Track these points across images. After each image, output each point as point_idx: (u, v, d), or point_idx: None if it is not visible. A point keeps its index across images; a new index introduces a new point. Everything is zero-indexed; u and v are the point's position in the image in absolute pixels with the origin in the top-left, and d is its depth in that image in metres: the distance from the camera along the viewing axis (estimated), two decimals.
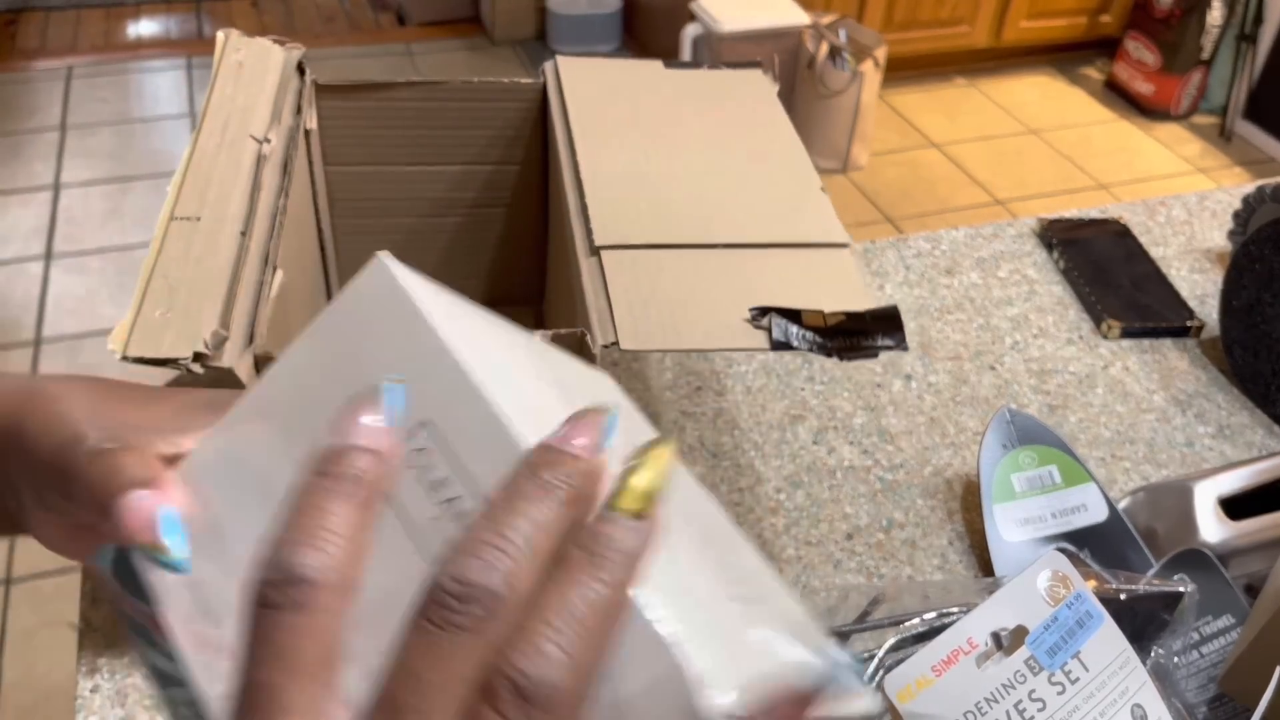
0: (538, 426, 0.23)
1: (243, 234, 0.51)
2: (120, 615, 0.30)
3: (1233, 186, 1.01)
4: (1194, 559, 0.57)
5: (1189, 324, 0.82)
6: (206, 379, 0.78)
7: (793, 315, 0.52)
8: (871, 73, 2.37)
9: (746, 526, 0.65)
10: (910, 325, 0.81)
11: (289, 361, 0.27)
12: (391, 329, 0.25)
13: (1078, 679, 0.47)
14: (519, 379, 0.27)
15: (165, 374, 0.44)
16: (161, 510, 0.27)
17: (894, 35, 2.67)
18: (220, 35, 0.64)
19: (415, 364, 0.24)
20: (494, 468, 0.23)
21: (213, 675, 0.26)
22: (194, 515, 0.27)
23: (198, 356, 0.44)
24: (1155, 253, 0.91)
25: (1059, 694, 0.46)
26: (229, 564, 0.26)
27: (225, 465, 0.28)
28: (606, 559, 0.21)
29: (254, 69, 0.63)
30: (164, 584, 0.27)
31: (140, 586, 0.28)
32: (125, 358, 0.43)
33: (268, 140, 0.58)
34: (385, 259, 0.26)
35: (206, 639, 0.26)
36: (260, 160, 0.56)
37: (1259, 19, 2.68)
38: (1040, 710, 0.46)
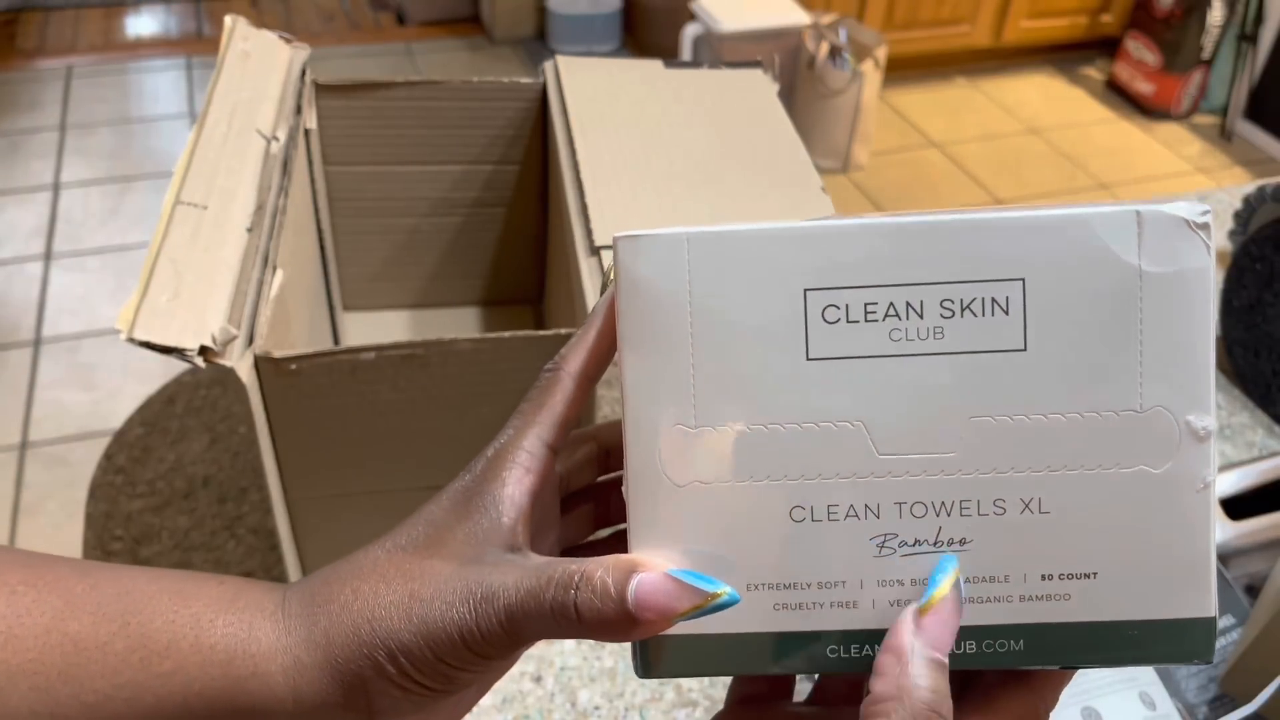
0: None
1: (249, 230, 0.51)
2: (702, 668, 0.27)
3: (1233, 186, 1.01)
4: None
5: None
6: (207, 375, 0.78)
7: None
8: (872, 72, 2.37)
9: None
10: None
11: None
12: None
13: None
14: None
15: (169, 362, 0.44)
16: (659, 577, 0.25)
17: (894, 35, 2.67)
18: (228, 21, 0.64)
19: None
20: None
21: None
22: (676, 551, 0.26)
23: (202, 350, 0.44)
24: None
25: None
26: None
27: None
28: None
29: (261, 62, 0.63)
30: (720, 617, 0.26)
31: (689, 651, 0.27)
32: (131, 340, 0.43)
33: (275, 139, 0.58)
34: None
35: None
36: (269, 159, 0.56)
37: (1259, 19, 2.68)
38: None
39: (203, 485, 0.69)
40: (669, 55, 2.43)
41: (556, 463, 0.31)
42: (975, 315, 0.25)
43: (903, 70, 2.83)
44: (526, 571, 0.26)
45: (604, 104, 0.66)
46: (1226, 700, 0.53)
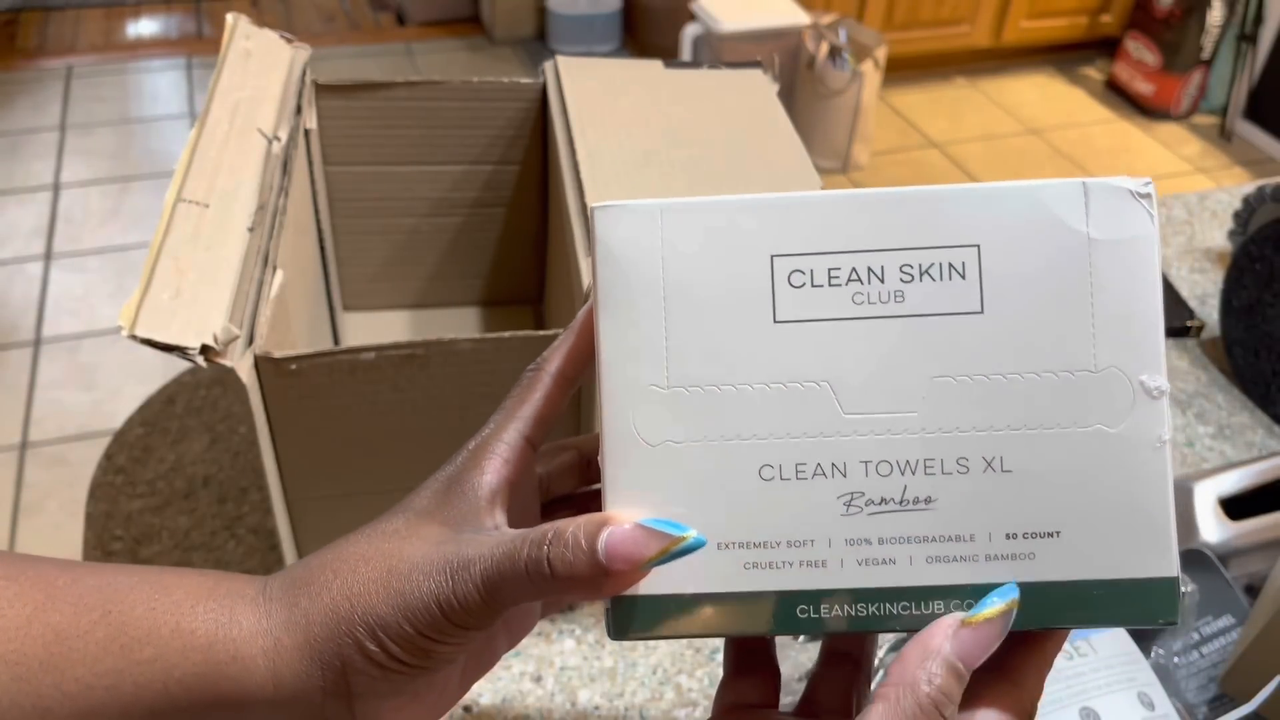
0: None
1: (250, 230, 0.51)
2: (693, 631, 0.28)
3: (1233, 186, 1.01)
4: (1194, 559, 0.57)
5: (1189, 324, 0.82)
6: (207, 375, 0.78)
7: None
8: (871, 73, 2.37)
9: None
10: None
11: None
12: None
13: (1086, 654, 0.48)
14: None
15: (169, 362, 0.44)
16: (628, 528, 0.26)
17: (894, 35, 2.67)
18: (230, 18, 0.64)
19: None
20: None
21: None
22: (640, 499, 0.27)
23: (204, 349, 0.44)
24: None
25: (1067, 659, 0.47)
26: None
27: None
28: None
29: (262, 61, 0.63)
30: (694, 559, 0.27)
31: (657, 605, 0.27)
32: (133, 337, 0.43)
33: (277, 139, 0.58)
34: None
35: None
36: (269, 158, 0.56)
37: (1259, 19, 2.68)
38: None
39: (203, 485, 0.70)
40: (669, 55, 2.43)
41: (538, 464, 0.31)
42: (934, 279, 0.27)
43: (903, 70, 2.83)
44: (502, 539, 0.27)
45: (604, 104, 0.66)
46: (1226, 700, 0.53)
